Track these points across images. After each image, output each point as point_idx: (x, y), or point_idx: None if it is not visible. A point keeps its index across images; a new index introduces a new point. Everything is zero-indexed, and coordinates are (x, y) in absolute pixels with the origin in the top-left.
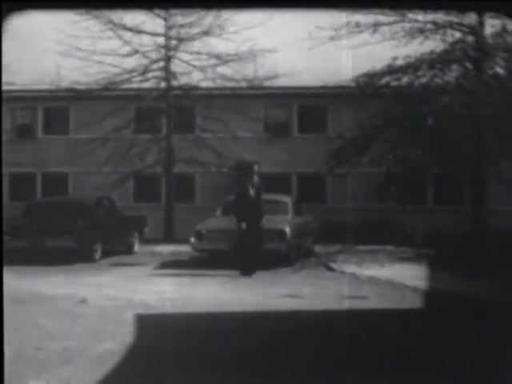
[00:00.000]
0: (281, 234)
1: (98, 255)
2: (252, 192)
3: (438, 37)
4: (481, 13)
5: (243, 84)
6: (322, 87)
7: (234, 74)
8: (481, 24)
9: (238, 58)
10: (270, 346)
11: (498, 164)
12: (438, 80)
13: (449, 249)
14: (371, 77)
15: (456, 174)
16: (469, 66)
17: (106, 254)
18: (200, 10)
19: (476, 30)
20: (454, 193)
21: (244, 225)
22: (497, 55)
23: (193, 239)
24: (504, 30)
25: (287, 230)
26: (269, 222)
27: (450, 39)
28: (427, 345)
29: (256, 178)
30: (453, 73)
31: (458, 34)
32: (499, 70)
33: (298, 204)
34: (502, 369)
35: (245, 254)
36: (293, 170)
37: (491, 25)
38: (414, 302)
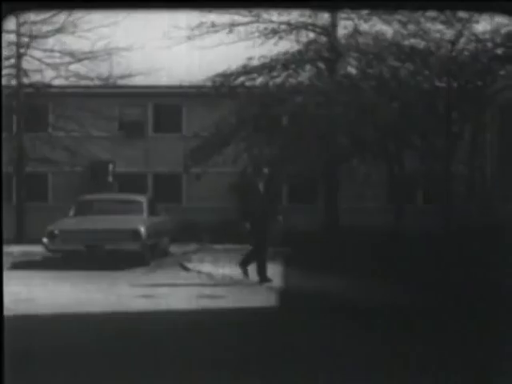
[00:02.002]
0: (135, 233)
1: None
2: (261, 186)
3: (292, 37)
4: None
5: (97, 82)
6: (177, 86)
7: (88, 72)
8: (333, 25)
9: (92, 56)
10: (117, 345)
11: (350, 163)
12: (292, 80)
13: (303, 247)
14: (227, 76)
15: (310, 172)
16: (322, 66)
17: None
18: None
19: (329, 31)
20: (308, 191)
21: (248, 225)
22: (349, 55)
23: (45, 239)
24: (356, 31)
25: (142, 229)
26: (123, 221)
27: (303, 40)
28: (266, 343)
29: (266, 170)
30: (306, 73)
31: (311, 35)
32: (351, 70)
33: (154, 204)
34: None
35: (253, 258)
36: (148, 169)
37: (344, 26)
38: (268, 301)
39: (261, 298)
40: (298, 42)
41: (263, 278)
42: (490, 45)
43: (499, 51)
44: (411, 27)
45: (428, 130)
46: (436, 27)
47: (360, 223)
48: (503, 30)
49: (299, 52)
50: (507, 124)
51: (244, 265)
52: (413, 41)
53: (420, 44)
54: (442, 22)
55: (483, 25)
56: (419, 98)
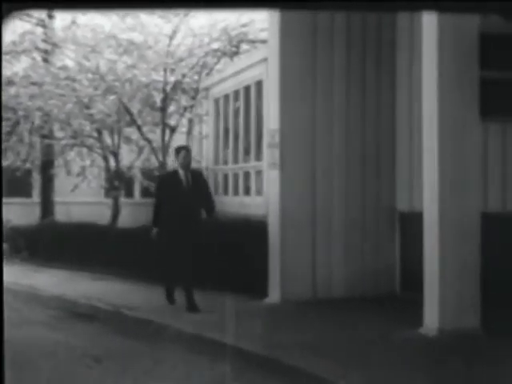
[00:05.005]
0: None
1: None
2: (184, 178)
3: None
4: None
5: None
6: None
7: None
8: (50, 16)
9: None
10: None
11: (66, 156)
12: (6, 71)
13: (19, 241)
14: None
15: (24, 165)
16: (37, 57)
17: None
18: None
19: (45, 22)
20: (24, 184)
21: (156, 232)
22: (66, 48)
23: None
24: (73, 22)
25: None
26: None
27: (19, 30)
28: None
29: (188, 157)
30: (21, 64)
31: (27, 26)
32: (68, 63)
33: None
34: None
35: (171, 280)
36: None
37: (61, 18)
38: None
39: None
40: (13, 32)
41: (191, 305)
42: (206, 40)
43: (215, 46)
44: (129, 21)
45: (145, 123)
46: (154, 21)
47: (77, 218)
48: (219, 25)
49: (14, 42)
50: (221, 117)
51: (170, 299)
52: (131, 34)
53: (138, 38)
54: (160, 17)
55: (200, 20)
56: (136, 91)
